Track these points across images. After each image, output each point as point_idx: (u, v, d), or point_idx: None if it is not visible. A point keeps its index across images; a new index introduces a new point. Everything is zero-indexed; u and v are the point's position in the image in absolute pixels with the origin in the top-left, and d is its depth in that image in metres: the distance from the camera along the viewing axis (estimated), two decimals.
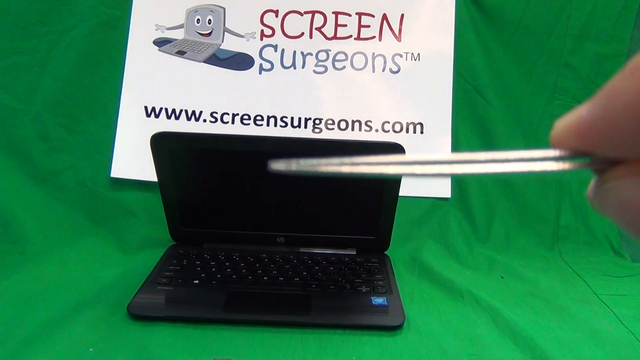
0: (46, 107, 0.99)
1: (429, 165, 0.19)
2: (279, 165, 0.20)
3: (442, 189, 1.01)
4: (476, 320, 0.72)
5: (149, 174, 0.90)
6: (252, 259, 0.83)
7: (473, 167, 0.19)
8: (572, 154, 0.18)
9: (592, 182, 0.19)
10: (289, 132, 1.01)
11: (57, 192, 0.97)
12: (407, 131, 1.02)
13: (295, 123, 1.01)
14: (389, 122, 1.02)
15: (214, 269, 0.80)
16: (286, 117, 1.02)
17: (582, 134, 0.18)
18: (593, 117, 0.17)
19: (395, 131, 1.02)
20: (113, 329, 0.65)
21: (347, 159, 0.19)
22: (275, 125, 1.01)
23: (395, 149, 0.78)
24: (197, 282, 0.76)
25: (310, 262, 0.84)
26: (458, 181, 1.02)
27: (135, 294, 0.71)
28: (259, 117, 1.02)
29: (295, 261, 0.84)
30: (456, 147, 1.02)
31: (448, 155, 0.19)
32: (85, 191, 0.98)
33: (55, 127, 0.99)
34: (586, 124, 0.17)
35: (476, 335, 0.68)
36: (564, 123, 0.18)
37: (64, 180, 0.98)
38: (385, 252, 0.89)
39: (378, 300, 0.73)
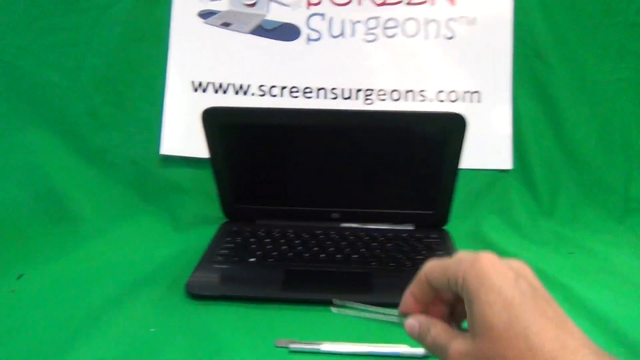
0: (93, 84, 0.97)
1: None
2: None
3: (503, 160, 0.96)
4: None
5: (199, 150, 0.88)
6: (307, 236, 0.81)
7: None
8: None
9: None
10: (340, 104, 0.97)
11: (108, 170, 0.97)
12: (464, 100, 0.97)
13: (346, 94, 0.97)
14: (443, 92, 0.97)
15: (269, 246, 0.78)
16: (336, 89, 0.98)
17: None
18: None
19: (451, 101, 0.97)
20: (172, 309, 0.64)
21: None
22: (325, 97, 0.98)
23: (456, 119, 0.74)
24: (253, 259, 0.74)
25: (367, 238, 0.81)
26: (520, 151, 0.96)
27: (193, 273, 0.69)
28: (307, 89, 0.98)
29: (351, 237, 0.81)
30: (517, 116, 0.96)
31: None
32: (136, 169, 0.97)
33: (103, 104, 0.98)
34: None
35: None
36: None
37: (115, 158, 0.97)
38: (444, 228, 0.86)
39: None
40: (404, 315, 0.42)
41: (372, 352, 0.56)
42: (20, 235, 0.83)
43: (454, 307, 0.41)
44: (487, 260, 0.35)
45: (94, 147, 0.97)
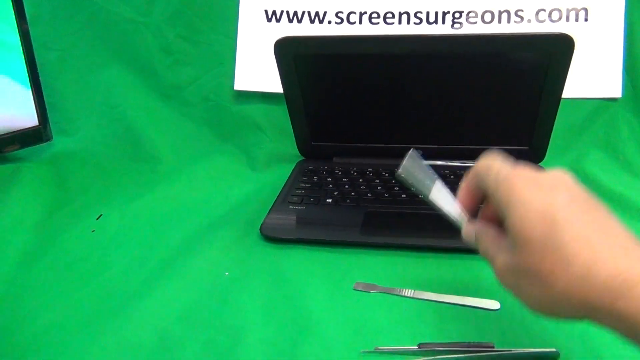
0: (165, 18, 0.95)
1: None
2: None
3: (612, 87, 0.85)
4: None
5: (274, 85, 0.84)
6: (387, 175, 0.76)
7: None
8: None
9: None
10: (425, 30, 0.88)
11: (183, 107, 0.96)
12: (568, 19, 0.85)
13: (432, 18, 0.88)
14: (544, 10, 0.85)
15: (347, 186, 0.73)
16: (420, 12, 0.89)
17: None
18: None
19: (552, 20, 0.85)
20: (246, 252, 0.62)
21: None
22: (409, 22, 0.89)
23: (560, 41, 0.64)
24: (330, 200, 0.70)
25: (452, 177, 0.75)
26: (632, 77, 0.84)
27: (267, 215, 0.67)
28: (389, 15, 0.90)
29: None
30: (630, 36, 0.84)
31: None
32: (210, 106, 0.96)
33: (176, 39, 0.96)
34: None
35: None
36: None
37: (189, 95, 0.96)
38: (540, 164, 0.77)
39: None
40: (464, 219, 0.42)
41: (452, 302, 0.52)
42: (98, 175, 0.84)
43: None
44: (518, 175, 0.35)
45: (168, 84, 0.96)
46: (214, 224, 0.68)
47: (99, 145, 0.91)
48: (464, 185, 0.42)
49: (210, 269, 0.58)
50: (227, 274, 0.57)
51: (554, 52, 0.65)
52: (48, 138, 0.88)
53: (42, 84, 0.85)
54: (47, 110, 0.87)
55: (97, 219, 0.71)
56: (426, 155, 0.76)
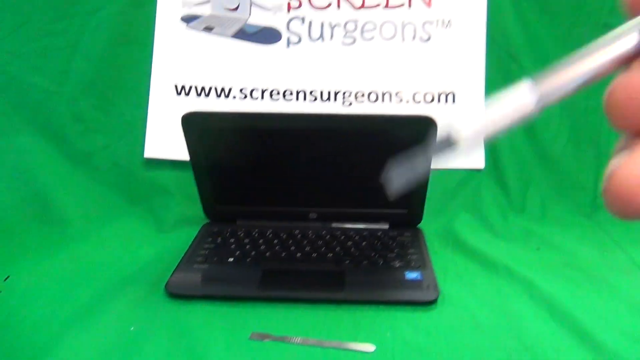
0: (79, 88, 1.00)
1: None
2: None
3: (476, 160, 1.00)
4: (511, 294, 0.71)
5: (182, 152, 0.91)
6: (285, 236, 0.84)
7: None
8: None
9: None
10: (319, 106, 1.00)
11: (93, 172, 0.99)
12: (439, 101, 1.00)
13: (325, 97, 1.00)
14: (419, 93, 1.00)
15: (248, 247, 0.81)
16: (315, 91, 1.01)
17: None
18: None
19: (426, 101, 1.00)
20: (152, 308, 0.67)
21: None
22: (305, 99, 1.01)
23: (426, 122, 0.77)
24: (232, 259, 0.77)
25: (343, 237, 0.84)
26: (492, 151, 1.00)
27: (173, 273, 0.73)
28: (288, 92, 1.01)
29: (328, 237, 0.84)
30: None
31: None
32: (120, 171, 1.00)
33: (89, 108, 1.00)
34: None
35: (511, 308, 0.68)
36: None
37: (100, 161, 1.00)
38: (418, 226, 0.89)
39: (412, 275, 0.73)
40: None
41: (335, 346, 0.60)
42: (7, 237, 0.86)
43: None
44: None
45: (79, 150, 1.00)
46: (121, 283, 0.72)
47: (7, 209, 0.92)
48: None
49: (116, 325, 0.63)
50: (132, 328, 0.62)
51: (421, 131, 0.78)
52: None
53: None
54: None
55: (5, 280, 0.73)
56: (321, 218, 0.86)
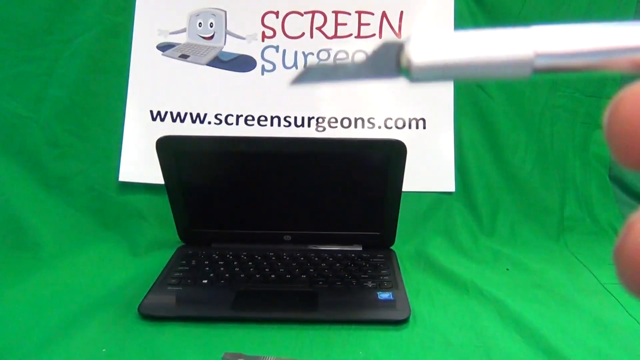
0: (54, 114, 1.00)
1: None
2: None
3: (446, 183, 1.02)
4: (481, 313, 0.72)
5: (157, 177, 0.91)
6: (259, 258, 0.85)
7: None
8: None
9: None
10: (293, 132, 1.02)
11: (67, 197, 0.99)
12: (410, 127, 1.02)
13: (299, 122, 1.03)
14: (391, 119, 1.03)
15: (222, 269, 0.81)
16: (289, 117, 1.03)
17: None
18: None
19: (397, 127, 1.02)
20: (125, 330, 0.66)
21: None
22: (279, 125, 1.02)
23: (396, 146, 0.79)
24: (206, 281, 0.78)
25: (316, 259, 0.85)
26: (462, 175, 1.02)
27: (146, 295, 0.72)
28: (262, 118, 1.03)
29: (302, 259, 0.85)
30: (459, 141, 1.03)
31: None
32: (94, 196, 1.00)
33: (64, 133, 1.01)
34: None
35: (481, 327, 0.69)
36: None
37: (74, 185, 1.00)
38: (391, 248, 0.90)
39: (384, 295, 0.74)
40: None
41: None
42: None
43: None
44: None
45: (54, 175, 0.99)
46: (94, 306, 0.72)
47: None
48: None
49: (88, 347, 0.62)
50: (104, 350, 0.62)
51: (391, 154, 0.80)
52: None
53: None
54: None
55: None
56: (295, 240, 0.87)
